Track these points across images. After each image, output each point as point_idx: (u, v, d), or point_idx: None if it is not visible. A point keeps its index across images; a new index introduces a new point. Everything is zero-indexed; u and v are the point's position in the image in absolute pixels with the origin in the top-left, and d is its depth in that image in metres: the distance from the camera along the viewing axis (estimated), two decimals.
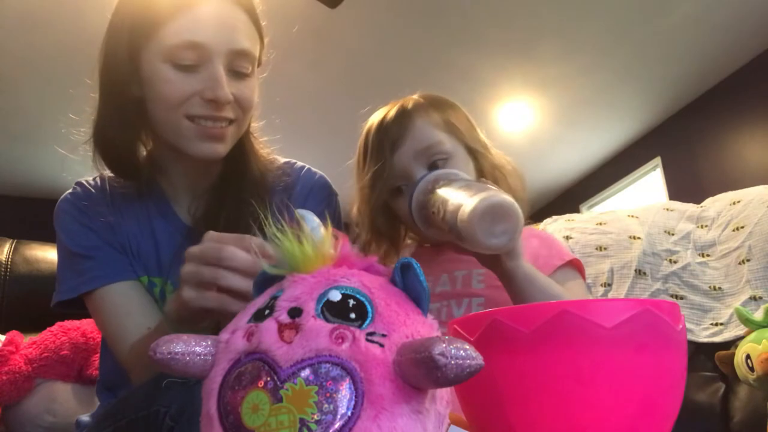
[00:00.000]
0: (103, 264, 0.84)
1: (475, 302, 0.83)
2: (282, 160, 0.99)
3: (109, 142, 0.84)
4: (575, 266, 0.86)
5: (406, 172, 0.83)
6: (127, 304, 0.83)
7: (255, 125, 0.93)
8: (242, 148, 0.89)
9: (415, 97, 0.90)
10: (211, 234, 0.63)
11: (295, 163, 1.01)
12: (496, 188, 0.70)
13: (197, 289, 0.61)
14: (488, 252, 0.69)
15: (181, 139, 0.80)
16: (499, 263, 0.72)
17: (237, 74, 0.80)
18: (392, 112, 0.87)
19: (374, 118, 0.90)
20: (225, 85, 0.77)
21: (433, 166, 0.83)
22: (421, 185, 0.78)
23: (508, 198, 0.66)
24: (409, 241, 0.98)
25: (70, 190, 0.91)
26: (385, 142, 0.85)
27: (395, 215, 0.90)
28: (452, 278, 0.86)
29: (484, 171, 0.88)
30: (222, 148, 0.82)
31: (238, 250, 0.60)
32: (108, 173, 0.91)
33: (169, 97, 0.77)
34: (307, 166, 1.01)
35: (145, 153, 0.91)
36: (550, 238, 0.90)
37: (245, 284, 0.59)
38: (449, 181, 0.75)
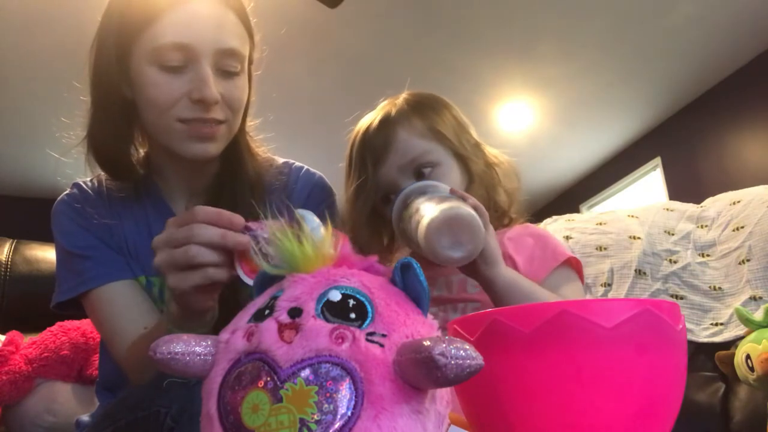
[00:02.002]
0: (100, 264, 0.84)
1: (471, 307, 0.82)
2: (280, 160, 0.99)
3: (102, 144, 0.84)
4: (572, 265, 0.84)
5: (393, 185, 0.82)
6: (124, 304, 0.83)
7: (251, 124, 0.93)
8: (237, 148, 0.89)
9: (400, 101, 0.88)
10: (171, 219, 0.63)
11: (294, 163, 1.00)
12: (461, 200, 0.70)
13: (177, 273, 0.61)
14: (449, 265, 0.69)
15: (172, 141, 0.80)
16: (477, 272, 0.71)
17: (225, 73, 0.79)
18: (375, 123, 0.85)
19: (359, 127, 0.88)
20: (212, 85, 0.76)
21: (419, 175, 0.82)
22: (397, 201, 0.78)
23: (466, 210, 0.65)
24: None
25: (67, 191, 0.91)
26: (367, 156, 0.84)
27: (384, 225, 0.89)
28: (448, 282, 0.86)
29: (475, 173, 0.87)
30: (213, 148, 0.81)
31: (203, 226, 0.60)
32: (104, 174, 0.91)
33: (157, 101, 0.77)
34: (306, 167, 1.01)
35: (142, 153, 0.91)
36: (545, 237, 0.87)
37: (217, 258, 0.60)
38: (420, 194, 0.75)
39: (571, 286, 0.81)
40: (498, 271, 0.70)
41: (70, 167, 0.93)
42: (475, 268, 0.71)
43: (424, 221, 0.66)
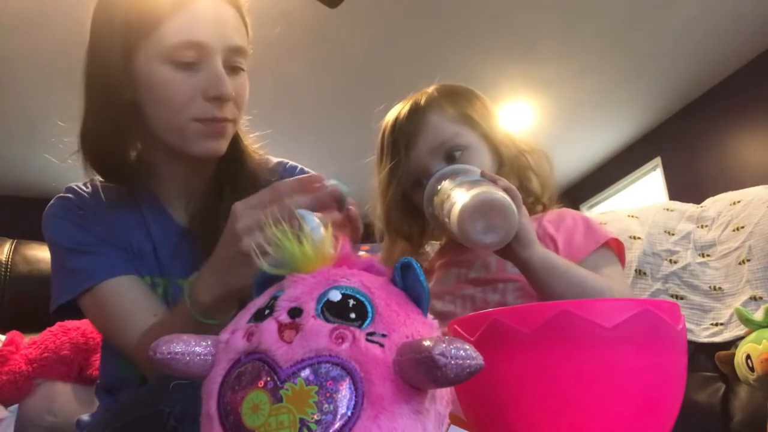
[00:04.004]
0: (101, 258, 0.82)
1: (511, 287, 0.81)
2: (274, 160, 0.98)
3: (100, 148, 0.83)
4: (613, 248, 0.82)
5: (424, 168, 0.83)
6: (132, 296, 0.81)
7: (242, 120, 0.92)
8: (236, 148, 0.88)
9: (431, 90, 0.89)
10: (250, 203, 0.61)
11: (287, 163, 1.00)
12: (492, 184, 0.70)
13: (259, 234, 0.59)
14: (484, 249, 0.69)
15: (184, 140, 0.79)
16: (512, 254, 0.70)
17: (234, 71, 0.79)
18: (405, 110, 0.87)
19: (389, 117, 0.90)
20: (227, 81, 0.76)
21: (450, 158, 0.82)
22: (429, 185, 0.78)
23: (499, 195, 0.65)
24: (429, 247, 0.97)
25: (59, 195, 0.88)
26: (399, 141, 0.85)
27: (416, 211, 0.89)
28: (485, 264, 0.85)
29: (506, 158, 0.87)
30: (224, 145, 0.81)
31: (294, 198, 0.58)
32: (99, 179, 0.89)
33: (173, 99, 0.76)
34: (300, 167, 1.00)
35: (134, 156, 0.89)
36: (586, 218, 0.86)
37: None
38: (452, 178, 0.75)
39: (611, 269, 0.79)
40: (533, 251, 0.70)
41: (62, 169, 0.91)
42: (510, 250, 0.70)
43: (456, 208, 0.66)
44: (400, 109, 0.88)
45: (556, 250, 0.80)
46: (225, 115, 0.78)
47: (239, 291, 0.65)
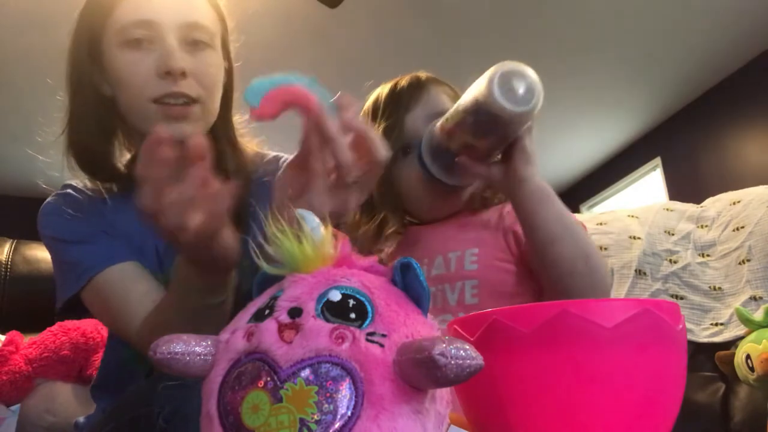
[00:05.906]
0: (100, 248, 0.82)
1: (469, 285, 0.81)
2: (271, 153, 0.98)
3: (84, 148, 0.83)
4: None
5: (417, 133, 0.84)
6: (131, 282, 0.80)
7: (237, 119, 0.92)
8: (223, 137, 0.87)
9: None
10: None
11: (282, 156, 1.00)
12: None
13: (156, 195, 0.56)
14: (514, 123, 0.68)
15: (149, 125, 0.77)
16: (513, 167, 0.72)
17: (193, 47, 0.79)
18: (405, 80, 0.89)
19: (384, 87, 0.91)
20: (177, 56, 0.76)
21: None
22: (427, 129, 0.80)
23: (522, 64, 0.67)
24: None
25: (57, 192, 0.88)
26: (399, 103, 0.86)
27: (391, 188, 0.88)
28: (446, 260, 0.85)
29: None
30: (188, 129, 0.78)
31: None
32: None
33: (131, 81, 0.77)
34: None
35: (128, 156, 0.90)
36: None
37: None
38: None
39: None
40: (534, 171, 0.72)
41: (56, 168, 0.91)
42: (512, 163, 0.72)
43: (482, 82, 0.66)
44: (397, 80, 0.90)
45: (517, 240, 0.81)
46: (181, 89, 0.77)
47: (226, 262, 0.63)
